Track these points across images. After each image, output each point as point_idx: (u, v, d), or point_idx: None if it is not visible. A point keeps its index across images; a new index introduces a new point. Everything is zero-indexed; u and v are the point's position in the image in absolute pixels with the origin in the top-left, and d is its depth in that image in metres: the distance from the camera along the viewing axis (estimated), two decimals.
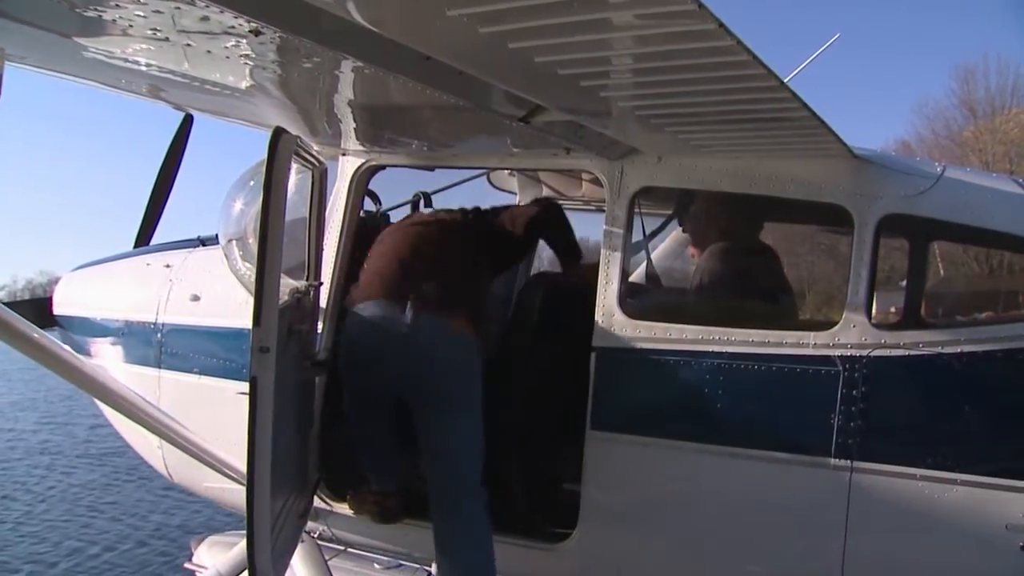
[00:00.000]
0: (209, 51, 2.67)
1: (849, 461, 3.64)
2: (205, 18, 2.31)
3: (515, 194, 6.18)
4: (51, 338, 4.00)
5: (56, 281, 6.71)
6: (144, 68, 3.14)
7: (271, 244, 3.22)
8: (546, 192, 6.00)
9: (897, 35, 65.88)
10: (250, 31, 2.40)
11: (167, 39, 2.57)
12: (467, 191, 5.92)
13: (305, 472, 4.40)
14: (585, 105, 3.14)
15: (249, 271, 4.25)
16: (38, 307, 6.13)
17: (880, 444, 3.64)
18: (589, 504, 4.06)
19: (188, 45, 2.63)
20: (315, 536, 4.93)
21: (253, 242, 4.28)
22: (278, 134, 3.27)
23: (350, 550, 5.31)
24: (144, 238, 6.48)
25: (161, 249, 5.80)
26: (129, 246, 6.48)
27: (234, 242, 4.54)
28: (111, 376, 4.65)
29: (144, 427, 4.43)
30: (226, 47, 2.60)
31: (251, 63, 2.83)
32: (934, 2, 65.37)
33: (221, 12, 2.24)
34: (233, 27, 2.38)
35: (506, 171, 5.94)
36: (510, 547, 4.32)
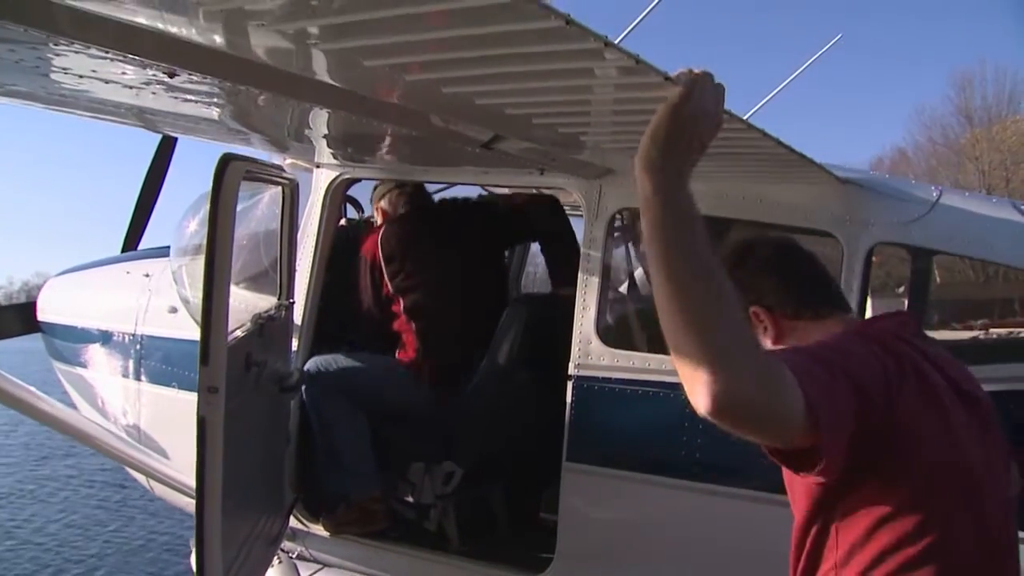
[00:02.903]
0: (131, 87, 2.50)
1: None
2: (111, 60, 2.13)
3: None
4: None
5: None
6: (99, 100, 2.98)
7: (218, 280, 3.07)
8: None
9: (894, 41, 64.73)
10: (164, 72, 2.23)
11: (82, 76, 2.40)
12: (459, 192, 5.77)
13: (276, 496, 4.29)
14: (545, 137, 2.94)
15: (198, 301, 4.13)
16: (24, 312, 6.07)
17: None
18: (565, 538, 3.90)
19: (107, 82, 2.46)
20: (293, 557, 4.83)
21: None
22: (225, 161, 3.11)
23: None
24: (132, 243, 6.39)
25: (143, 256, 5.69)
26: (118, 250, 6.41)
27: (185, 267, 4.40)
28: (58, 405, 4.53)
29: (103, 454, 4.33)
30: (147, 83, 2.43)
31: (184, 97, 2.66)
32: (931, 9, 64.16)
33: (123, 57, 2.07)
34: (144, 68, 2.21)
35: None
36: (485, 575, 4.21)
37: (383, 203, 4.68)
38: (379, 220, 4.74)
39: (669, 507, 3.73)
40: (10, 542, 9.66)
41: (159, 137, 6.21)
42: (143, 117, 3.42)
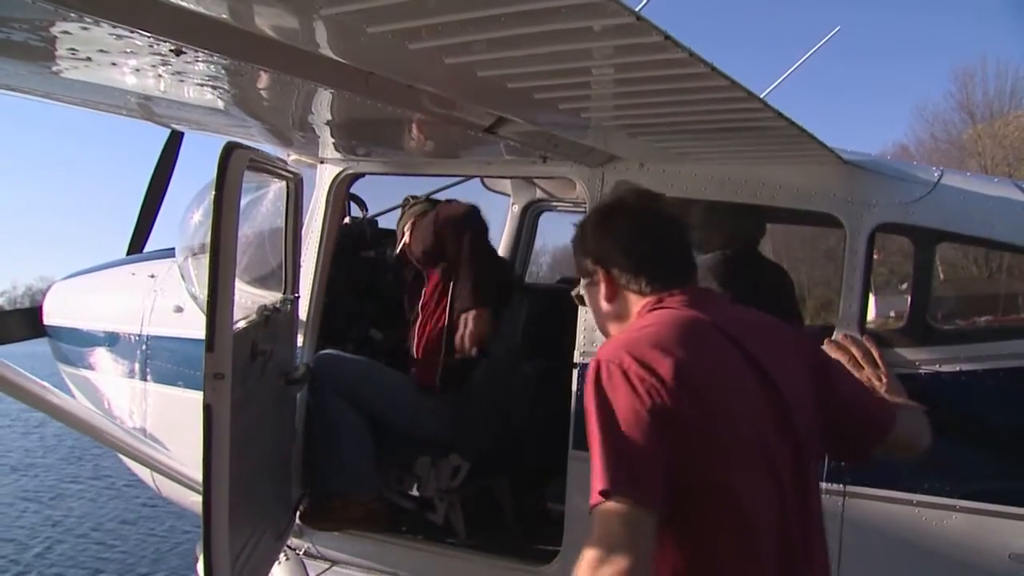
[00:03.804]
0: (138, 69, 2.53)
1: (842, 485, 3.45)
2: (118, 37, 2.16)
3: (508, 196, 6.02)
4: None
5: None
6: (103, 88, 3.01)
7: (223, 267, 3.08)
8: (540, 195, 5.84)
9: (895, 38, 65.29)
10: (171, 50, 2.25)
11: (89, 58, 2.43)
12: (461, 193, 5.81)
13: (283, 490, 4.29)
14: (547, 117, 2.96)
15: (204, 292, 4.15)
16: (29, 317, 6.09)
17: (875, 467, 3.43)
18: (573, 528, 3.89)
19: (114, 64, 2.49)
20: (300, 553, 4.82)
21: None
22: (229, 150, 3.13)
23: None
24: (137, 246, 6.41)
25: (148, 258, 5.71)
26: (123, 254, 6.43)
27: (190, 259, 4.41)
28: (65, 397, 4.54)
29: (111, 448, 4.33)
30: (153, 66, 2.45)
31: (190, 80, 2.68)
32: (932, 5, 64.74)
33: (131, 32, 2.09)
34: (151, 45, 2.23)
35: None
36: (493, 568, 4.19)
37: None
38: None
39: None
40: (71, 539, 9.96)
41: (164, 141, 6.25)
42: (147, 108, 3.45)
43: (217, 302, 3.09)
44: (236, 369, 3.22)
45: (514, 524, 4.56)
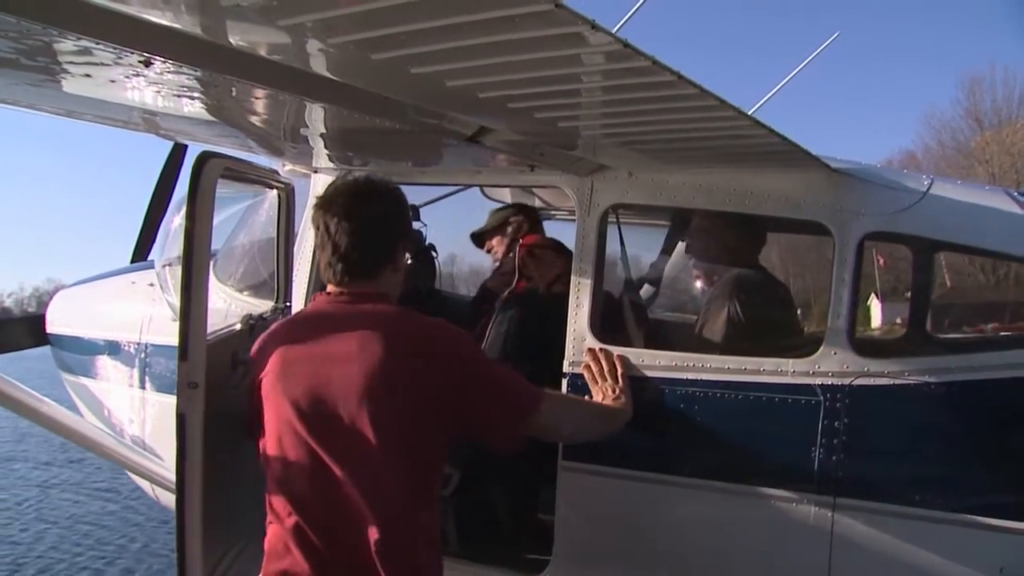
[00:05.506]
0: (113, 81, 2.54)
1: (832, 497, 3.40)
2: (84, 50, 2.17)
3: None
4: None
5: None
6: (84, 99, 3.02)
7: (196, 276, 3.06)
8: (537, 203, 5.81)
9: (904, 45, 64.90)
10: (140, 61, 2.26)
11: (64, 70, 2.44)
12: (461, 202, 5.81)
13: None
14: (526, 126, 2.95)
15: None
16: (33, 325, 6.14)
17: (865, 480, 3.39)
18: (562, 537, 3.86)
19: (87, 76, 2.50)
20: None
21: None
22: (204, 159, 3.13)
23: None
24: (141, 254, 6.46)
25: (148, 267, 5.74)
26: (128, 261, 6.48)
27: (167, 268, 4.43)
28: (58, 408, 4.55)
29: (109, 460, 4.34)
30: (127, 77, 2.46)
31: (167, 92, 2.69)
32: (940, 13, 64.45)
33: (97, 44, 2.10)
34: (120, 58, 2.24)
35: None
36: None
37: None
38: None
39: (667, 504, 3.68)
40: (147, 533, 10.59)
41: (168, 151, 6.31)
42: (151, 121, 3.47)
43: (190, 311, 3.07)
44: (213, 378, 3.21)
45: (505, 533, 4.53)
